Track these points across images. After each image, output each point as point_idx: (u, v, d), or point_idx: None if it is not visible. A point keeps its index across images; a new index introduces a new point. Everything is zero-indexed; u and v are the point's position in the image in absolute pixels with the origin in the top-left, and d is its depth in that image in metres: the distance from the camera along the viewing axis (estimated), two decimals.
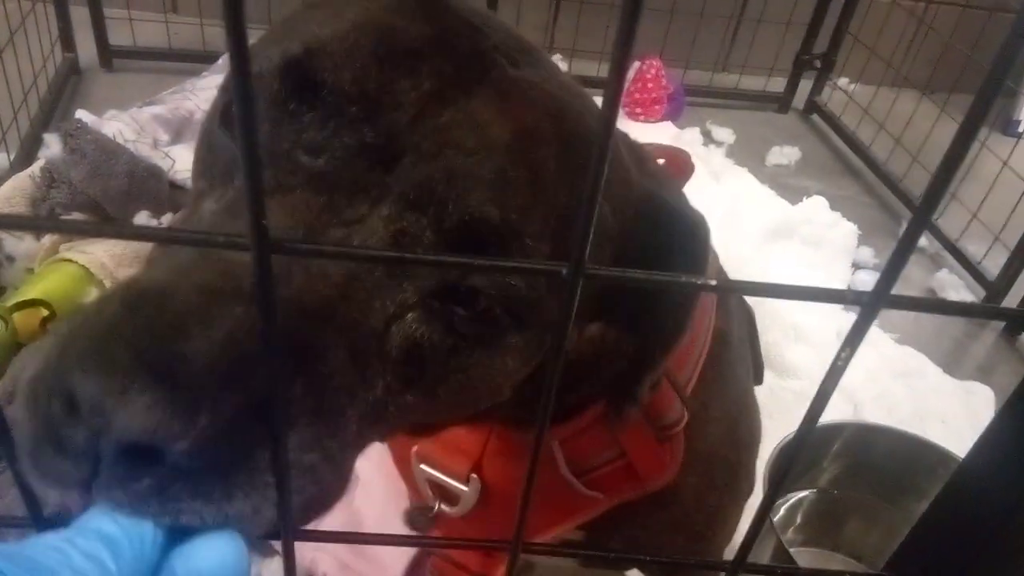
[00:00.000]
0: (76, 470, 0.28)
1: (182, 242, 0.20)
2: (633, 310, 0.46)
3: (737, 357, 0.67)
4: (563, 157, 0.40)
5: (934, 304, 0.22)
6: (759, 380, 0.78)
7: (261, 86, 0.37)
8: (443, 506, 0.52)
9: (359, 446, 0.37)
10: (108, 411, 0.26)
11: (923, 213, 0.25)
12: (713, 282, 0.22)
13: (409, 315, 0.37)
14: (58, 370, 0.28)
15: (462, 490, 0.51)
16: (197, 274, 0.30)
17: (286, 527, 0.27)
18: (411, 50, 0.38)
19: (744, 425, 0.66)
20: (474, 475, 0.51)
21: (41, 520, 0.30)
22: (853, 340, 0.20)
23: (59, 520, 0.29)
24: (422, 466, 0.51)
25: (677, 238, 0.44)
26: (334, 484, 0.34)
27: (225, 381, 0.27)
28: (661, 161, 0.62)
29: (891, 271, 0.23)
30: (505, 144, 0.38)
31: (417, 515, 0.54)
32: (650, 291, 0.44)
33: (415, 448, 0.51)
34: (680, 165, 0.66)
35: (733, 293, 0.63)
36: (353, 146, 0.37)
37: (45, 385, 0.28)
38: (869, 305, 0.20)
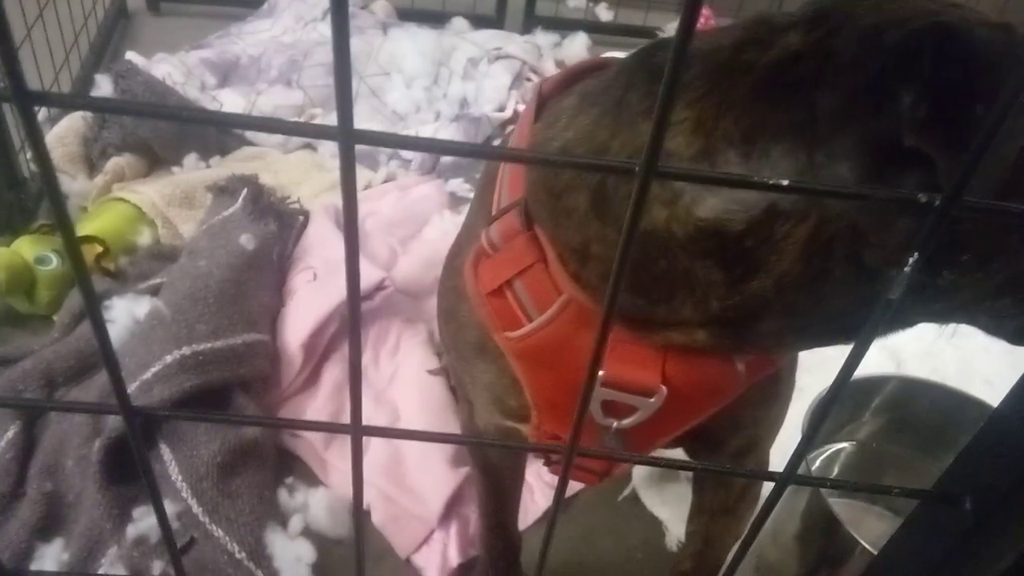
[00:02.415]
0: None
1: (270, 130, 0.21)
2: None
3: None
4: None
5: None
6: None
7: None
8: (614, 421, 0.59)
9: None
10: None
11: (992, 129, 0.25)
12: (785, 182, 0.22)
13: None
14: None
15: (645, 401, 0.58)
16: None
17: (355, 423, 0.29)
18: None
19: None
20: (662, 386, 0.58)
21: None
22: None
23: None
24: (602, 388, 0.58)
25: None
26: None
27: None
28: None
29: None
30: None
31: (608, 437, 0.60)
32: None
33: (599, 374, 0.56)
34: None
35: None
36: None
37: None
38: (938, 210, 0.20)
